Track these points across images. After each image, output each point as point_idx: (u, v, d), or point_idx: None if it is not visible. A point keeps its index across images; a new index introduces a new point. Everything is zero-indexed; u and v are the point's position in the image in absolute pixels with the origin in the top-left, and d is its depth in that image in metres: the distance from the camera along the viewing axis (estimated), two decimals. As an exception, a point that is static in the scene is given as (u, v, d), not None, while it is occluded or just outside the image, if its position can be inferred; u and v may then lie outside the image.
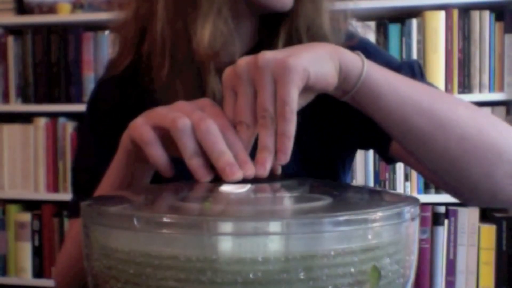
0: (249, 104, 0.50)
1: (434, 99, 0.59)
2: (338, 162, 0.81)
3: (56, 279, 0.81)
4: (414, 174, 1.84)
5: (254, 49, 0.73)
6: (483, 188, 0.61)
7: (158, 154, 0.51)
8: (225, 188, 0.45)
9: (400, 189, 1.86)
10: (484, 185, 0.60)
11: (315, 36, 0.72)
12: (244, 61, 0.50)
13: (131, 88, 0.78)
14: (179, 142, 0.48)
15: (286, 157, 0.48)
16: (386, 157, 0.76)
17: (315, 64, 0.50)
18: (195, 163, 0.48)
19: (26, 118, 2.05)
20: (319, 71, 0.51)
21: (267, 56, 0.49)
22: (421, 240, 1.82)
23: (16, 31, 2.06)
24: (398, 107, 0.57)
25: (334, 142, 0.78)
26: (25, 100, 2.04)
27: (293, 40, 0.72)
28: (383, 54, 0.76)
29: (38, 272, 2.06)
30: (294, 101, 0.48)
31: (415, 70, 0.72)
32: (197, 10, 0.67)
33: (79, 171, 0.83)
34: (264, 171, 0.48)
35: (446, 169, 0.61)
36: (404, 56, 1.83)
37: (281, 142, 0.48)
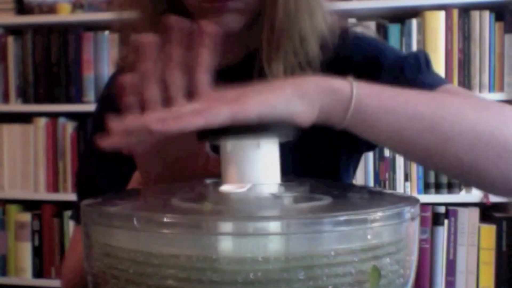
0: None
1: (436, 111, 0.55)
2: (342, 168, 0.80)
3: (65, 280, 0.81)
4: (414, 174, 1.84)
5: (245, 59, 0.74)
6: (501, 185, 0.59)
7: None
8: (225, 188, 0.45)
9: (400, 189, 1.85)
10: (502, 183, 0.58)
11: (302, 39, 0.70)
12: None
13: None
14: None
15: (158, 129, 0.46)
16: None
17: (274, 107, 0.47)
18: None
19: (26, 118, 2.05)
20: (279, 113, 0.48)
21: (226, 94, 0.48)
22: (421, 240, 1.82)
23: (16, 31, 2.06)
24: (397, 131, 0.54)
25: (339, 147, 0.77)
26: (25, 100, 2.04)
27: (273, 41, 0.70)
28: (389, 52, 0.74)
29: (38, 272, 2.06)
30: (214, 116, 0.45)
31: (420, 62, 0.70)
32: None
33: (83, 178, 0.83)
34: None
35: (461, 175, 0.59)
36: (404, 56, 1.83)
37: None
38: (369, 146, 0.78)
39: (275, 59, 0.69)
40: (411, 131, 0.54)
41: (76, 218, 0.84)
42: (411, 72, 0.69)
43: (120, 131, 0.45)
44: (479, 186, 0.61)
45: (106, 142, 0.45)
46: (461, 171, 0.57)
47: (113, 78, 0.85)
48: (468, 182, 0.61)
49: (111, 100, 0.81)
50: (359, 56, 0.72)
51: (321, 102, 0.50)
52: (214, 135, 0.46)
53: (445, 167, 0.58)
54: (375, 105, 0.52)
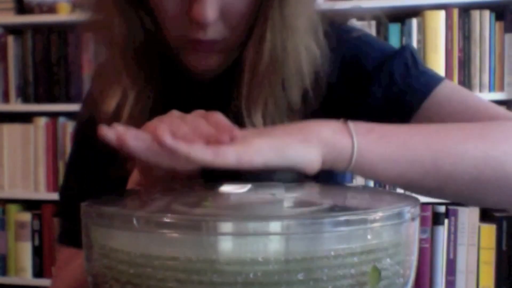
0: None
1: (437, 153, 0.54)
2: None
3: None
4: (414, 174, 1.84)
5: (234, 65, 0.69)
6: (502, 207, 0.61)
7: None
8: (225, 188, 0.45)
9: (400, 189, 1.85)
10: (504, 206, 0.60)
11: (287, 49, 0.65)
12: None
13: None
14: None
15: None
16: None
17: (282, 156, 0.47)
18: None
19: (26, 118, 2.05)
20: (285, 162, 0.48)
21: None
22: (421, 240, 1.82)
23: (16, 31, 2.06)
24: (399, 177, 0.54)
25: None
26: (25, 100, 2.04)
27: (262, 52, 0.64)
28: (376, 49, 0.70)
29: (38, 272, 2.06)
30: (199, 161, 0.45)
31: (408, 64, 0.67)
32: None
33: (67, 194, 0.80)
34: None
35: (463, 201, 0.61)
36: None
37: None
38: None
39: (254, 111, 0.65)
40: (413, 174, 0.54)
41: (61, 237, 0.79)
42: (401, 77, 0.66)
43: (131, 136, 0.46)
44: (481, 206, 0.64)
45: (113, 135, 0.45)
46: (463, 199, 0.60)
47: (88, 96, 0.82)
48: (469, 204, 0.63)
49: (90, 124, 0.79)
50: (347, 70, 0.68)
51: (324, 154, 0.50)
52: (219, 179, 0.47)
53: (447, 198, 0.60)
54: (375, 156, 0.52)
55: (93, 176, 0.74)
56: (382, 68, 0.67)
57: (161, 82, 0.69)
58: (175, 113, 0.51)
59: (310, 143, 0.49)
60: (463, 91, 0.67)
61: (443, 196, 0.59)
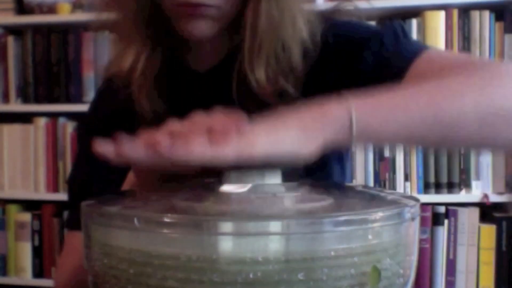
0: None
1: (436, 105, 0.55)
2: (331, 157, 0.78)
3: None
4: (414, 174, 1.84)
5: (222, 63, 0.74)
6: None
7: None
8: (226, 188, 0.45)
9: (400, 189, 1.85)
10: None
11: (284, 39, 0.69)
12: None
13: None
14: None
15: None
16: None
17: (280, 148, 0.48)
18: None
19: (26, 118, 2.05)
20: (284, 153, 0.48)
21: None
22: (421, 240, 1.81)
23: (16, 31, 2.06)
24: (405, 137, 0.55)
25: None
26: (25, 100, 2.03)
27: (256, 42, 0.69)
28: (364, 29, 0.74)
29: (38, 272, 2.06)
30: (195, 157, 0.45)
31: (398, 32, 0.70)
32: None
33: (75, 183, 0.83)
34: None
35: (475, 148, 0.62)
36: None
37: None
38: None
39: (257, 66, 0.69)
40: (418, 132, 0.54)
41: (70, 223, 0.83)
42: (391, 44, 0.69)
43: (128, 148, 0.46)
44: (496, 151, 0.63)
45: (105, 151, 0.46)
46: (474, 145, 0.60)
47: (102, 92, 0.86)
48: (479, 150, 0.64)
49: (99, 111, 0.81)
50: (339, 43, 0.72)
51: (324, 135, 0.50)
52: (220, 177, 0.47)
53: (459, 146, 0.62)
54: (377, 121, 0.52)
55: (99, 166, 0.75)
56: (372, 37, 0.70)
57: (168, 48, 0.74)
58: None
59: (308, 131, 0.49)
60: (452, 51, 0.70)
61: (454, 146, 0.60)
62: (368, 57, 0.69)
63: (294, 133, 0.49)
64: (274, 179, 0.46)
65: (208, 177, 0.50)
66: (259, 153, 0.46)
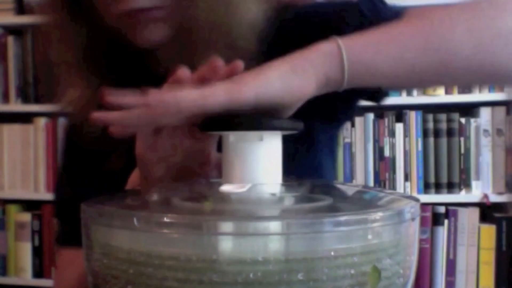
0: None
1: (428, 31, 0.54)
2: (318, 136, 0.73)
3: None
4: (414, 174, 1.84)
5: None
6: None
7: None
8: (225, 188, 0.45)
9: (400, 189, 1.86)
10: None
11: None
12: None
13: None
14: None
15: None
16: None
17: (270, 85, 0.48)
18: None
19: (26, 118, 2.05)
20: (275, 91, 0.48)
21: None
22: (421, 240, 1.82)
23: (16, 31, 2.06)
24: (397, 69, 0.53)
25: (312, 115, 0.68)
26: (25, 100, 2.04)
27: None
28: (340, 2, 0.70)
29: (38, 272, 2.06)
30: (182, 101, 0.45)
31: (375, 0, 0.67)
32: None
33: (62, 199, 0.80)
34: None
35: (473, 79, 0.60)
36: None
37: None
38: (347, 114, 0.75)
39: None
40: (412, 61, 0.53)
41: (61, 239, 0.79)
42: (371, 12, 0.66)
43: (121, 113, 0.46)
44: (497, 81, 0.60)
45: (105, 115, 0.46)
46: (473, 74, 0.57)
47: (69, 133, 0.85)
48: (484, 82, 0.60)
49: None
50: (316, 18, 0.69)
51: (315, 72, 0.50)
52: (217, 126, 0.46)
53: (458, 77, 0.58)
54: (368, 55, 0.52)
55: (84, 175, 0.74)
56: (352, 10, 0.66)
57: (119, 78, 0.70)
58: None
59: (299, 69, 0.49)
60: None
61: (451, 73, 0.57)
62: (350, 28, 0.64)
63: (283, 72, 0.48)
64: (272, 141, 0.46)
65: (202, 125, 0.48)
66: (249, 95, 0.45)
